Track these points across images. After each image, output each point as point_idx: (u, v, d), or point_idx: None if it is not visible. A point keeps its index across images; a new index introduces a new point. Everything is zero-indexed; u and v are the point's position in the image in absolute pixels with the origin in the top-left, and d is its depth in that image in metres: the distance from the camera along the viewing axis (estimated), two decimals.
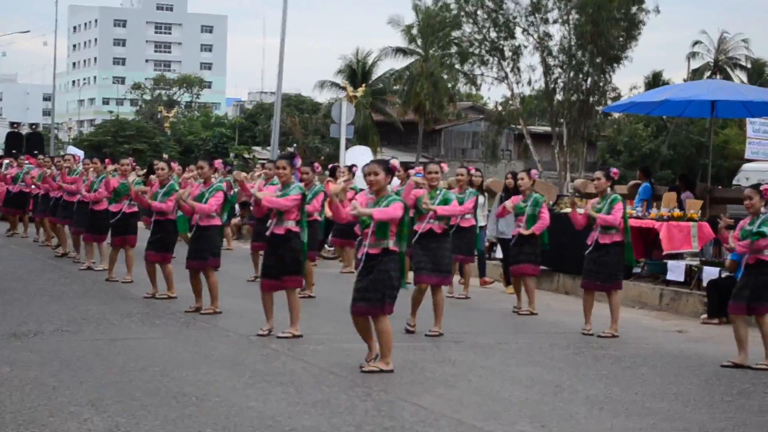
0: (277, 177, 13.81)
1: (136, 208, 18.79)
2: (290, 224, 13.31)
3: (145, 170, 20.47)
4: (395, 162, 14.51)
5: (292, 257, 13.44)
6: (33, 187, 26.49)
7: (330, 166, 25.71)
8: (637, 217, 19.30)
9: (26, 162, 29.37)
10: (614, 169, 15.85)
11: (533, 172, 16.96)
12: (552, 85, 60.43)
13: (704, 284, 17.67)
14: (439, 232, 14.36)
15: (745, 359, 12.71)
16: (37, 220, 26.73)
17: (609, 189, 15.33)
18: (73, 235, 22.28)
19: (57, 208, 23.59)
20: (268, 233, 13.52)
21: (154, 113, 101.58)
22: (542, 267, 17.97)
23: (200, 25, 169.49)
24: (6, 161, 31.73)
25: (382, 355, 11.46)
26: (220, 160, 17.21)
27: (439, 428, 9.07)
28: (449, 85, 70.70)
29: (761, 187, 13.11)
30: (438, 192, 14.39)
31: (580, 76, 59.99)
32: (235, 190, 21.84)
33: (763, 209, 12.96)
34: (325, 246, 25.05)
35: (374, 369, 11.34)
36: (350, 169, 23.22)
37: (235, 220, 27.81)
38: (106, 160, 22.16)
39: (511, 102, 63.82)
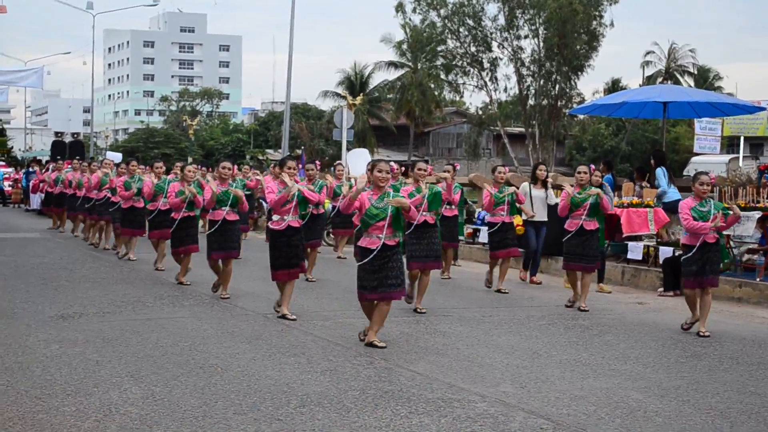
0: (288, 176, 13.09)
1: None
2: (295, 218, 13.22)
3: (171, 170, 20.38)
4: (393, 165, 14.49)
5: (302, 246, 13.44)
6: (70, 188, 26.51)
7: (335, 164, 25.60)
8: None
9: (66, 167, 29.37)
10: (593, 166, 15.86)
11: (592, 167, 15.86)
12: (525, 92, 60.65)
13: (660, 262, 17.70)
14: (432, 222, 14.33)
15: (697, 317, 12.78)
16: (75, 217, 26.77)
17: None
18: (115, 230, 22.19)
19: (95, 207, 23.59)
20: (283, 227, 13.06)
21: (180, 122, 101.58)
22: (520, 249, 17.95)
23: (218, 45, 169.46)
24: (51, 165, 31.74)
25: (375, 326, 11.35)
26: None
27: (432, 391, 9.06)
28: (436, 93, 70.78)
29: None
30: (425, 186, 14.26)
31: (549, 83, 60.20)
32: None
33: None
34: (330, 234, 25.04)
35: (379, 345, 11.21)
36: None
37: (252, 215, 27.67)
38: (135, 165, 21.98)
39: (489, 107, 64.03)
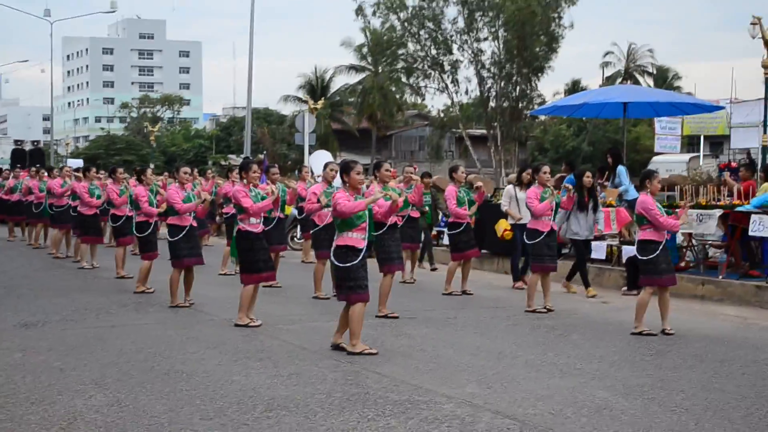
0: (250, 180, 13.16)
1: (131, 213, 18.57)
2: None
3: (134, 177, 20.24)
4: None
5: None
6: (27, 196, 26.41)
7: (298, 167, 25.48)
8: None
9: (24, 176, 29.18)
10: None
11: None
12: (486, 94, 60.82)
13: (623, 261, 17.77)
14: (400, 223, 14.32)
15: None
16: (32, 225, 26.66)
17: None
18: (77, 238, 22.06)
19: (54, 215, 23.52)
20: (259, 230, 13.03)
21: (141, 129, 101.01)
22: (483, 251, 17.97)
23: (178, 51, 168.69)
24: (11, 175, 31.44)
25: (353, 335, 11.13)
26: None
27: (399, 393, 9.06)
28: (397, 96, 70.90)
29: None
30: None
31: (510, 85, 60.38)
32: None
33: None
34: (294, 239, 24.99)
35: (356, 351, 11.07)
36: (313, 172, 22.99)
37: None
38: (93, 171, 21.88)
39: (451, 109, 64.20)
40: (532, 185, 15.52)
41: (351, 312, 11.09)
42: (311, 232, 16.52)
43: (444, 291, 16.81)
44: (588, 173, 17.30)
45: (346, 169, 11.27)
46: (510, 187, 18.13)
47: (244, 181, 13.26)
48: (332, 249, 11.13)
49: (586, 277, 17.15)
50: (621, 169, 20.05)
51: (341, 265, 11.02)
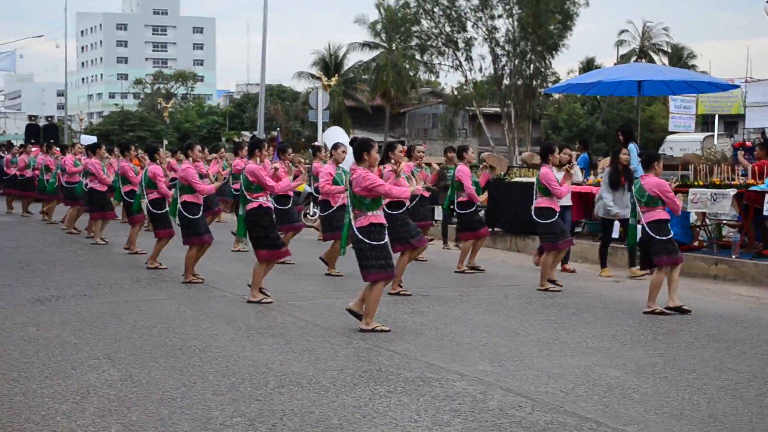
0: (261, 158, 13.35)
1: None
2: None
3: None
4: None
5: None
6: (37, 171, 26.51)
7: (313, 144, 25.41)
8: (578, 183, 19.33)
9: (34, 151, 29.34)
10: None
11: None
12: (500, 72, 60.66)
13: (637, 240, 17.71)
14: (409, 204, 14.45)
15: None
16: (47, 201, 26.71)
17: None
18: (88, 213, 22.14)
19: (65, 191, 23.61)
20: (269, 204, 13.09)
21: (155, 105, 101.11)
22: (497, 228, 17.96)
23: (192, 27, 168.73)
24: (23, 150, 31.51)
25: (368, 314, 11.15)
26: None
27: (411, 370, 9.08)
28: (411, 74, 70.68)
29: None
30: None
31: (524, 62, 60.22)
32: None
33: None
34: (308, 215, 25.00)
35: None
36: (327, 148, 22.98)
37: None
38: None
39: (465, 87, 64.11)
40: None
41: (372, 290, 11.05)
42: (325, 213, 16.36)
43: (457, 269, 16.82)
44: (625, 150, 16.88)
45: (366, 147, 11.15)
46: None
47: (257, 159, 13.28)
48: (357, 229, 11.04)
49: (605, 257, 16.96)
50: (631, 147, 19.99)
51: (375, 243, 10.98)
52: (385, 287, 11.38)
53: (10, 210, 29.83)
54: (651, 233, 12.76)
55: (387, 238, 11.12)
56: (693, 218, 17.81)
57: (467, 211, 16.80)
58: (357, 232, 11.02)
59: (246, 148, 16.74)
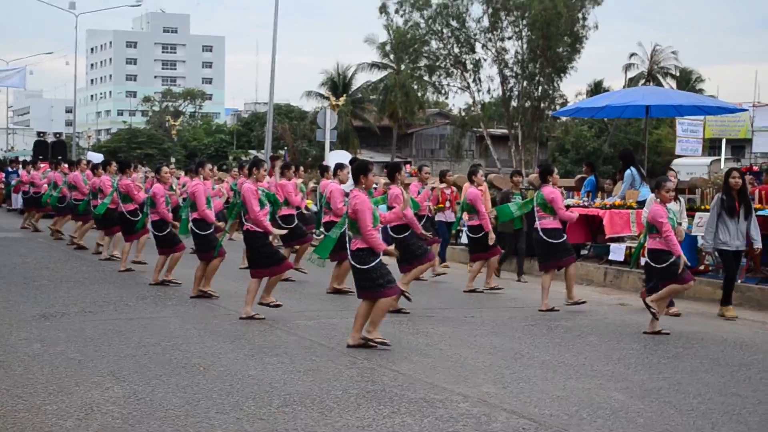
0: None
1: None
2: None
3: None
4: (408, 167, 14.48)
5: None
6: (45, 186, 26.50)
7: (321, 164, 25.38)
8: (584, 206, 19.34)
9: (45, 169, 29.39)
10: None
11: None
12: (508, 93, 60.77)
13: (642, 263, 17.71)
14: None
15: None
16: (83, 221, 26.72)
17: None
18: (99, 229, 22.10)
19: (73, 207, 23.58)
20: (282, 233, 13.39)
21: (163, 122, 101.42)
22: (502, 251, 17.94)
23: (201, 45, 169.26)
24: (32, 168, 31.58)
25: (373, 324, 11.19)
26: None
27: (415, 391, 9.07)
28: (419, 94, 70.83)
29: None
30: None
31: (532, 84, 60.28)
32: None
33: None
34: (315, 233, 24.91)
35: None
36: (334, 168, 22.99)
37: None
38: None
39: (473, 108, 64.18)
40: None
41: (379, 303, 11.05)
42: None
43: (466, 288, 16.86)
44: (735, 173, 14.77)
45: (363, 170, 11.37)
46: (652, 195, 14.58)
47: (254, 177, 13.39)
48: (350, 252, 11.14)
49: (730, 294, 14.94)
50: (627, 173, 20.05)
51: (363, 267, 11.05)
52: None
53: (25, 227, 29.84)
54: (653, 263, 12.87)
55: (376, 260, 11.06)
56: (700, 242, 17.78)
57: (479, 235, 16.83)
58: (350, 255, 11.18)
59: (245, 167, 16.90)
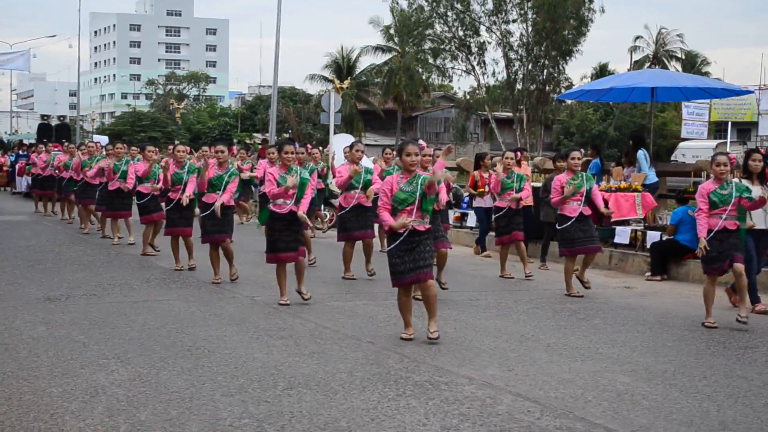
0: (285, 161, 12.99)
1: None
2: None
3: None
4: (422, 143, 14.03)
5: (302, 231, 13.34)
6: (57, 171, 26.39)
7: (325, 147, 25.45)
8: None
9: (54, 149, 29.37)
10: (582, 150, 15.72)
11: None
12: (513, 76, 60.64)
13: (647, 246, 17.73)
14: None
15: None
16: (63, 200, 26.70)
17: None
18: (99, 213, 22.10)
19: (81, 190, 23.48)
20: (286, 210, 12.89)
21: (167, 106, 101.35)
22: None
23: (205, 28, 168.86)
24: (42, 147, 31.62)
25: (432, 315, 10.79)
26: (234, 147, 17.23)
27: (420, 373, 9.07)
28: (423, 77, 70.73)
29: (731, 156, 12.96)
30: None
31: (537, 68, 60.17)
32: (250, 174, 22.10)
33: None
34: (319, 218, 24.93)
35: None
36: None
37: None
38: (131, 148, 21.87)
39: (477, 91, 64.02)
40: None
41: (428, 293, 10.71)
42: (338, 214, 16.36)
43: (501, 274, 16.92)
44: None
45: (399, 150, 10.96)
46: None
47: (279, 162, 13.33)
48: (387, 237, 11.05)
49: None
50: (639, 154, 20.02)
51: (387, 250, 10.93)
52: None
53: (37, 210, 29.93)
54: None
55: (395, 246, 10.66)
56: None
57: (498, 215, 16.90)
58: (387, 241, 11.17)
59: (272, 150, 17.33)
